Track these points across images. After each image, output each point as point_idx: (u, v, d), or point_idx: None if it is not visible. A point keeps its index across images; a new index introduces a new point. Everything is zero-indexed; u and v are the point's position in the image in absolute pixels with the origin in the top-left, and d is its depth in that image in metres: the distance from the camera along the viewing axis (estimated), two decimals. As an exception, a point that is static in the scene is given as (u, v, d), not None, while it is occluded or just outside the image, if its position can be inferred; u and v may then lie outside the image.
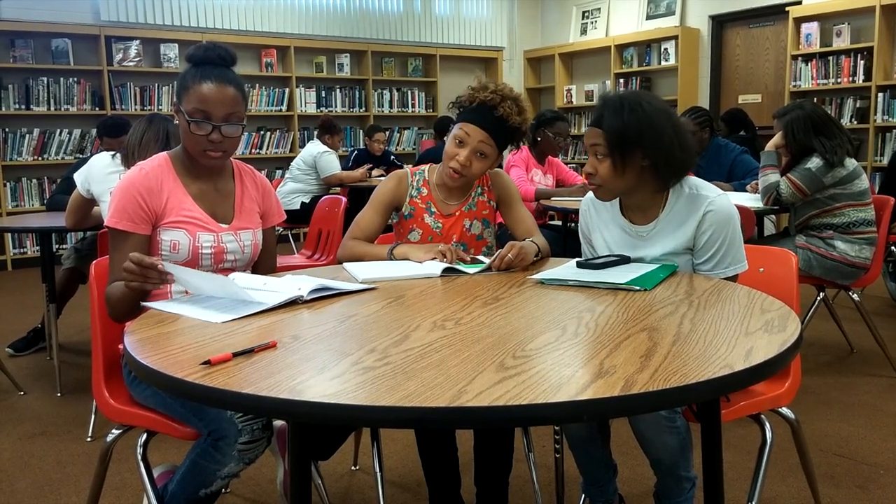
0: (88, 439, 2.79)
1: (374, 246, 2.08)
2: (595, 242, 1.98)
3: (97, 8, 6.79)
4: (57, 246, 6.17)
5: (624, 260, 1.83)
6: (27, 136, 6.54)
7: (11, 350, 3.85)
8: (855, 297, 3.26)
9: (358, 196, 5.63)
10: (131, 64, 6.93)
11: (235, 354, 1.14)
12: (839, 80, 6.48)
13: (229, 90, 1.76)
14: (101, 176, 3.02)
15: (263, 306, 1.45)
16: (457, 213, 2.13)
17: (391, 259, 1.99)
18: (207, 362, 1.10)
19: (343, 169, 6.07)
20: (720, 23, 7.61)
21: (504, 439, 2.02)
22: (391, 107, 8.51)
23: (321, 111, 7.92)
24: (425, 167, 2.20)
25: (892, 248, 4.17)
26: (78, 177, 3.11)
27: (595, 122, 1.79)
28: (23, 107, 6.51)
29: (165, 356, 1.16)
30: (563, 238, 4.15)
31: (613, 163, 1.76)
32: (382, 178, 2.16)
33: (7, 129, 6.48)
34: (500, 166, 6.23)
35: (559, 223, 4.48)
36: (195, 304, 1.51)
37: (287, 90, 7.82)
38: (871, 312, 3.75)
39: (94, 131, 6.57)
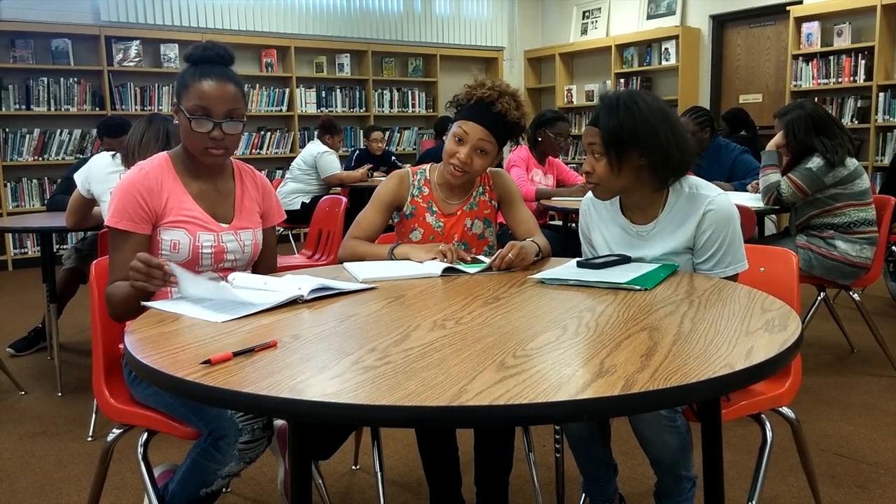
0: (89, 439, 2.79)
1: (375, 245, 2.08)
2: (595, 242, 1.98)
3: (97, 8, 6.79)
4: (57, 246, 6.17)
5: (624, 259, 1.83)
6: (27, 136, 6.54)
7: (12, 350, 3.85)
8: (855, 296, 3.25)
9: (358, 196, 5.63)
10: (131, 64, 6.94)
11: (236, 354, 1.14)
12: (840, 79, 6.48)
13: (229, 87, 1.76)
14: (102, 176, 3.02)
15: (264, 306, 1.45)
16: (458, 213, 2.13)
17: (392, 259, 1.99)
18: (208, 361, 1.10)
19: (344, 169, 6.07)
20: (721, 22, 7.61)
21: (504, 439, 2.02)
22: (391, 107, 8.51)
23: (321, 111, 7.92)
24: (426, 167, 2.20)
25: (893, 247, 4.17)
26: (78, 177, 3.11)
27: (592, 121, 1.80)
28: (23, 107, 6.51)
29: (166, 355, 1.16)
30: (564, 238, 4.15)
31: (610, 162, 1.76)
32: (383, 179, 2.17)
33: (7, 130, 6.49)
34: (501, 165, 6.24)
35: (559, 223, 4.48)
36: (195, 304, 1.51)
37: (287, 90, 7.82)
38: (872, 312, 3.75)
39: (94, 131, 6.57)
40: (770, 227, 4.99)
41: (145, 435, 1.71)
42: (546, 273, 1.73)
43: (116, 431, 1.76)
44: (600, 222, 1.96)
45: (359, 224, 2.13)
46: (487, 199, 2.16)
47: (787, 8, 6.69)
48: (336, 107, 8.16)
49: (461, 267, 1.86)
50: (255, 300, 1.48)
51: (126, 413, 1.74)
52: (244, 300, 1.48)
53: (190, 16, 7.19)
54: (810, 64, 6.63)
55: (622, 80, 8.38)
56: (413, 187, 2.15)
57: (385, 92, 8.48)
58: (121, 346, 1.71)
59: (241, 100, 1.80)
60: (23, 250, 6.67)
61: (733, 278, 1.79)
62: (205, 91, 1.74)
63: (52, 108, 6.60)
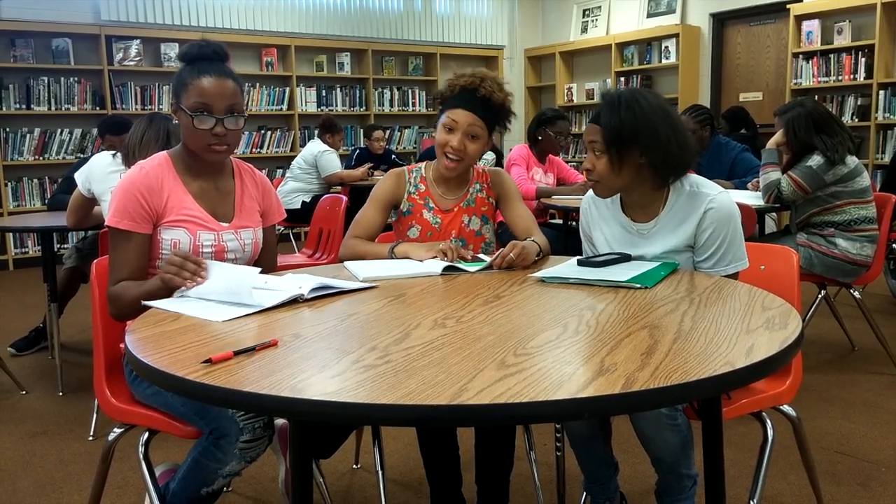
0: (90, 438, 2.79)
1: (375, 244, 2.09)
2: (595, 239, 1.98)
3: (97, 7, 6.79)
4: (58, 245, 6.17)
5: (625, 258, 1.83)
6: (28, 135, 6.54)
7: (13, 349, 3.85)
8: (856, 294, 3.25)
9: (359, 195, 5.63)
10: (132, 63, 6.93)
11: (236, 353, 1.14)
12: (840, 77, 6.47)
13: (228, 83, 1.77)
14: (102, 175, 3.02)
15: (264, 305, 1.45)
16: (455, 209, 2.14)
17: (392, 257, 2.00)
18: (209, 361, 1.10)
19: (344, 168, 6.07)
20: (721, 21, 7.60)
21: (505, 437, 2.02)
22: (392, 106, 8.51)
23: (322, 110, 7.92)
24: (422, 164, 2.22)
25: (894, 245, 4.17)
26: (79, 176, 3.11)
27: (594, 118, 1.80)
28: (23, 106, 6.51)
29: (167, 355, 1.16)
30: (565, 236, 4.15)
31: (610, 159, 1.76)
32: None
33: (8, 129, 6.49)
34: (501, 165, 6.22)
35: (560, 221, 4.48)
36: (196, 303, 1.51)
37: (287, 89, 7.82)
38: (873, 310, 3.74)
39: (94, 131, 6.57)
40: (770, 226, 4.99)
41: (146, 434, 1.71)
42: (546, 271, 1.73)
43: (117, 431, 1.76)
44: (601, 220, 1.96)
45: (358, 223, 2.13)
46: (485, 197, 2.17)
47: (788, 6, 6.69)
48: (336, 106, 8.16)
49: (462, 265, 1.86)
50: (256, 299, 1.48)
51: (127, 412, 1.74)
52: (253, 300, 1.48)
53: (190, 15, 7.19)
54: (810, 62, 6.63)
55: (622, 79, 8.37)
56: (409, 184, 2.16)
57: (385, 91, 8.47)
58: (122, 345, 1.71)
59: (241, 95, 1.81)
60: (23, 250, 6.67)
61: (734, 276, 1.79)
62: (205, 87, 1.74)
63: (53, 108, 6.60)
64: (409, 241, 2.11)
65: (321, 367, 1.08)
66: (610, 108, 1.75)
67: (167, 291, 1.61)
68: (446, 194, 2.15)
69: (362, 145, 6.99)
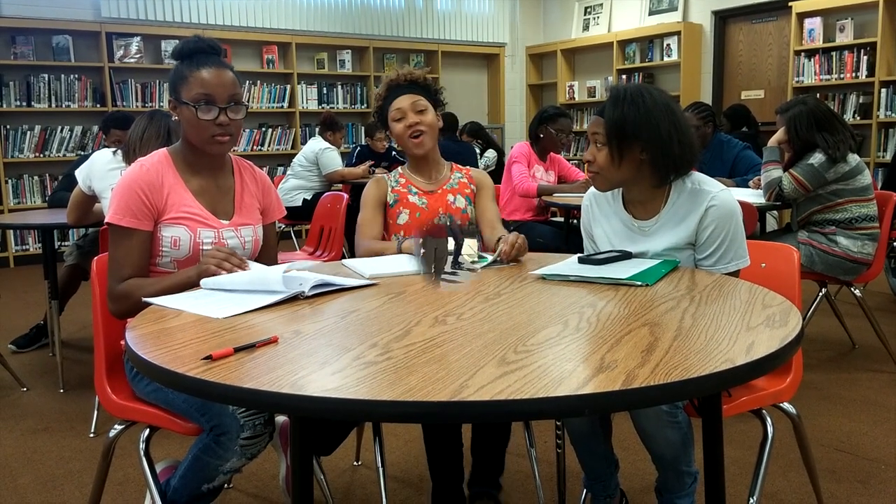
0: (91, 435, 2.79)
1: (388, 243, 2.19)
2: (597, 236, 1.98)
3: (98, 4, 6.79)
4: (59, 243, 6.17)
5: (625, 255, 1.82)
6: (28, 133, 6.54)
7: (14, 347, 3.86)
8: (857, 292, 3.25)
9: (360, 193, 5.60)
10: (132, 60, 6.94)
11: (237, 349, 1.14)
12: (842, 75, 6.46)
13: (228, 74, 1.79)
14: (103, 172, 3.02)
15: (265, 302, 1.45)
16: (439, 191, 2.26)
17: (399, 253, 2.02)
18: (209, 357, 1.10)
19: (345, 165, 6.07)
20: (723, 18, 7.59)
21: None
22: (393, 103, 8.50)
23: (323, 108, 7.91)
24: (397, 168, 2.37)
25: (895, 243, 4.17)
26: (79, 173, 3.11)
27: (599, 111, 1.81)
28: (24, 104, 6.51)
29: (167, 351, 1.16)
30: (566, 234, 4.15)
31: (611, 152, 1.77)
32: (384, 175, 2.32)
33: (8, 126, 6.49)
34: (502, 163, 6.19)
35: (561, 219, 4.48)
36: (197, 300, 1.51)
37: (288, 87, 7.82)
38: (873, 308, 3.74)
39: (95, 128, 6.58)
40: (772, 223, 4.99)
41: (147, 431, 1.71)
42: (547, 269, 1.73)
43: (118, 427, 1.76)
44: (602, 217, 1.96)
45: (364, 224, 2.24)
46: (467, 182, 2.31)
47: (790, 3, 6.68)
48: (337, 103, 8.16)
49: (464, 264, 1.86)
50: (257, 296, 1.48)
51: (128, 409, 1.75)
52: (281, 287, 1.49)
53: (191, 12, 7.18)
54: (812, 60, 6.62)
55: (624, 77, 8.36)
56: (391, 181, 2.30)
57: (386, 88, 8.46)
58: (122, 342, 1.71)
59: (239, 86, 1.83)
60: (24, 247, 6.67)
61: (735, 274, 1.79)
62: (206, 79, 1.75)
63: (53, 105, 6.60)
64: (399, 228, 2.21)
65: (322, 363, 1.08)
66: (614, 101, 1.76)
67: (190, 286, 1.63)
68: (426, 178, 2.29)
69: (363, 143, 6.99)
